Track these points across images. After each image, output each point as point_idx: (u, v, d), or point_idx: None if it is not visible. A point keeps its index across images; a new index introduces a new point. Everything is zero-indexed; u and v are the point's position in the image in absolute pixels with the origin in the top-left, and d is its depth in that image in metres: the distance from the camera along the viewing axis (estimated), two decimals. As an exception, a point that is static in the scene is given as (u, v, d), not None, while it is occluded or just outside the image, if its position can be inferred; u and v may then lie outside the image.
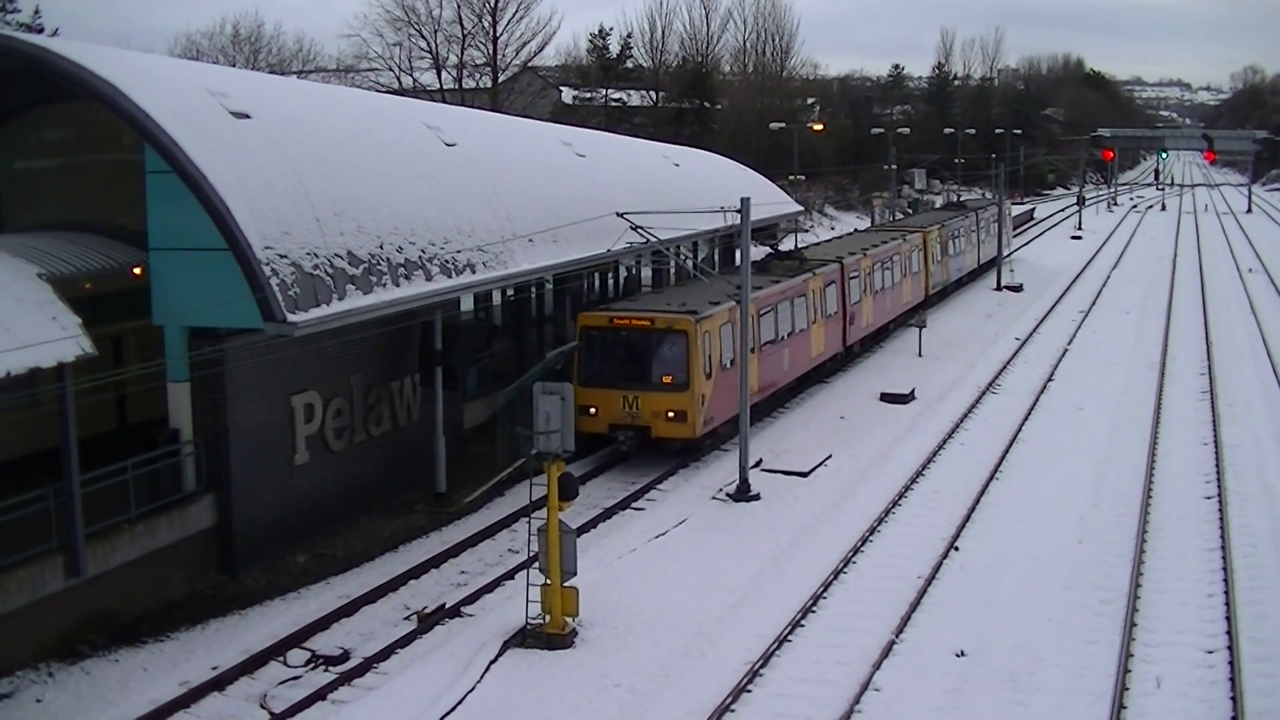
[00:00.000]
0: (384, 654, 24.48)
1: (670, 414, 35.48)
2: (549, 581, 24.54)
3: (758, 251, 48.51)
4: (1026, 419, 43.43)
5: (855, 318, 51.73)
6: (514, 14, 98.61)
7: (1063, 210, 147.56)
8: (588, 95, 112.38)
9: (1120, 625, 25.22)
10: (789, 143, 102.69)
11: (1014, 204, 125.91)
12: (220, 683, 23.37)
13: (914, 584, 27.71)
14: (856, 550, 30.11)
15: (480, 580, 28.39)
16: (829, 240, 70.32)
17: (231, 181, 26.21)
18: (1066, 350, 57.19)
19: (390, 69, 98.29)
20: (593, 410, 35.54)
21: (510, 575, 28.17)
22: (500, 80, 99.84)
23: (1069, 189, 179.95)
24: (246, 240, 25.69)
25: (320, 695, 22.81)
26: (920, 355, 54.61)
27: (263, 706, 22.69)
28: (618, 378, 35.97)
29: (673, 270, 48.85)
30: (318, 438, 30.55)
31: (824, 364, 48.52)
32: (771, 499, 34.11)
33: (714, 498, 34.22)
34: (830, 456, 38.30)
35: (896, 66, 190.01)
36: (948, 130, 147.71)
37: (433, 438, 33.76)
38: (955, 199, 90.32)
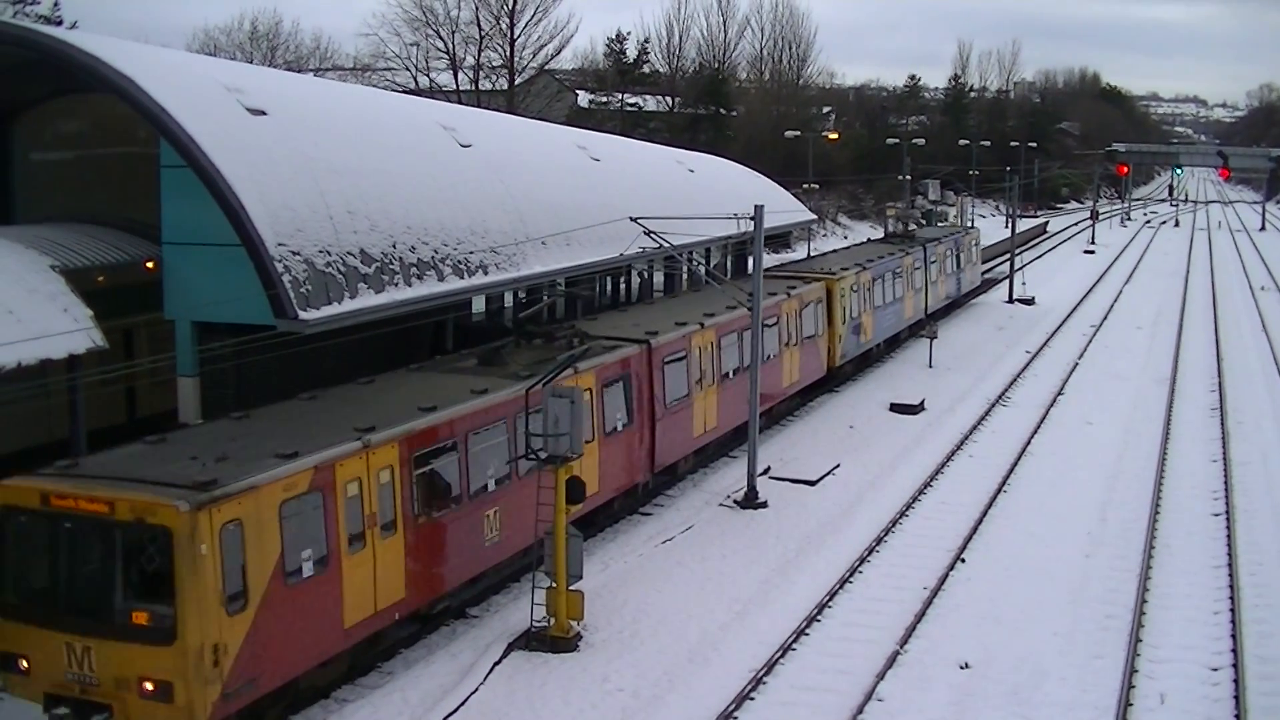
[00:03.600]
0: (387, 653, 24.46)
1: (149, 685, 19.06)
2: (554, 584, 24.54)
3: (769, 259, 47.93)
4: (1035, 432, 43.37)
5: (672, 427, 34.11)
6: (532, 16, 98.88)
7: (1076, 224, 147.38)
8: (604, 99, 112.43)
9: (1125, 640, 25.18)
10: (804, 151, 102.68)
11: (1024, 217, 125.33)
12: (224, 678, 23.28)
13: (919, 595, 27.68)
14: (863, 560, 30.09)
15: (485, 581, 28.39)
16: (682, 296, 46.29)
17: (246, 177, 26.25)
18: (1077, 364, 57.08)
19: (407, 69, 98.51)
20: (22, 663, 19.82)
21: (515, 577, 28.15)
22: (517, 82, 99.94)
23: (1083, 203, 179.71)
24: (260, 236, 25.73)
25: (323, 693, 22.77)
26: (931, 366, 54.55)
27: (266, 702, 22.66)
28: (57, 608, 19.76)
29: (685, 276, 48.81)
30: (326, 435, 30.36)
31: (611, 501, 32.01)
32: (779, 507, 34.08)
33: (721, 504, 34.21)
34: (838, 466, 38.27)
35: (913, 77, 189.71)
36: (963, 142, 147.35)
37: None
38: (904, 225, 72.81)
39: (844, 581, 28.61)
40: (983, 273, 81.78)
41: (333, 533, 21.28)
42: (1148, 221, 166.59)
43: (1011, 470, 38.23)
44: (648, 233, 35.76)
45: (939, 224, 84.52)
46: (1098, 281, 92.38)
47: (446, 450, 24.52)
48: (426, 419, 24.12)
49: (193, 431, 23.41)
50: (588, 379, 29.47)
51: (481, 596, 27.00)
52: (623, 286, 47.14)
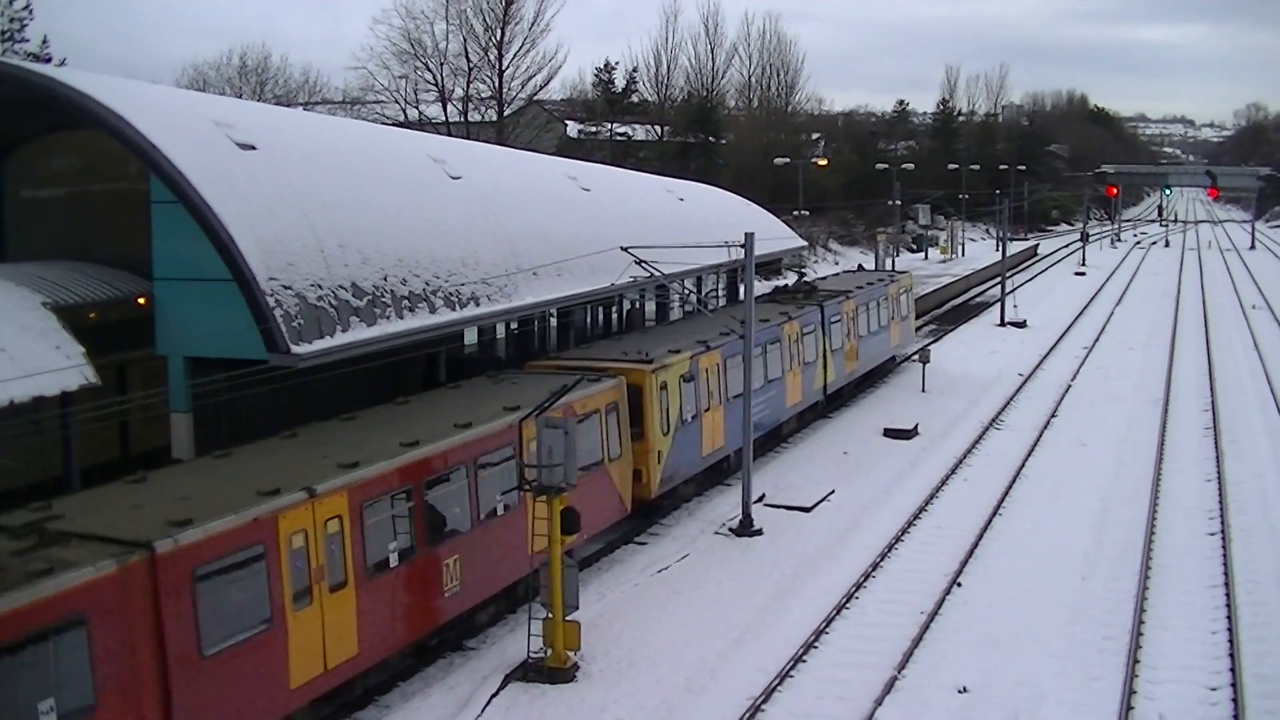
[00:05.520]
0: (384, 686, 24.36)
1: None
2: (551, 615, 24.50)
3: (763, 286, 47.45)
4: (1030, 455, 43.38)
5: (214, 691, 19.03)
6: (520, 48, 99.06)
7: (1066, 246, 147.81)
8: (593, 129, 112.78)
9: (1123, 662, 25.15)
10: (794, 177, 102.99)
11: (1015, 240, 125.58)
12: (220, 714, 23.11)
13: (916, 619, 27.64)
14: (859, 585, 30.05)
15: (482, 613, 28.32)
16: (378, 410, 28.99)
17: (237, 212, 26.26)
18: (1070, 386, 57.15)
19: (396, 101, 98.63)
20: None
21: (512, 608, 28.09)
22: (506, 113, 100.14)
23: (1073, 225, 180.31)
24: (251, 271, 25.72)
25: (320, 727, 22.68)
26: (924, 391, 54.59)
27: (262, 738, 22.55)
28: None
29: (678, 304, 48.78)
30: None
31: None
32: (774, 534, 34.04)
33: (716, 532, 34.16)
34: (833, 492, 38.24)
35: (901, 102, 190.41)
36: (952, 166, 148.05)
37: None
38: (800, 275, 57.20)
39: (841, 608, 28.57)
40: (917, 328, 67.89)
41: None
42: (1138, 242, 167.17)
43: (1006, 493, 38.23)
44: (639, 262, 35.84)
45: (860, 269, 73.32)
46: (1089, 303, 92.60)
47: None
48: None
49: None
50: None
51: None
52: (615, 316, 47.20)
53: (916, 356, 57.41)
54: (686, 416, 35.53)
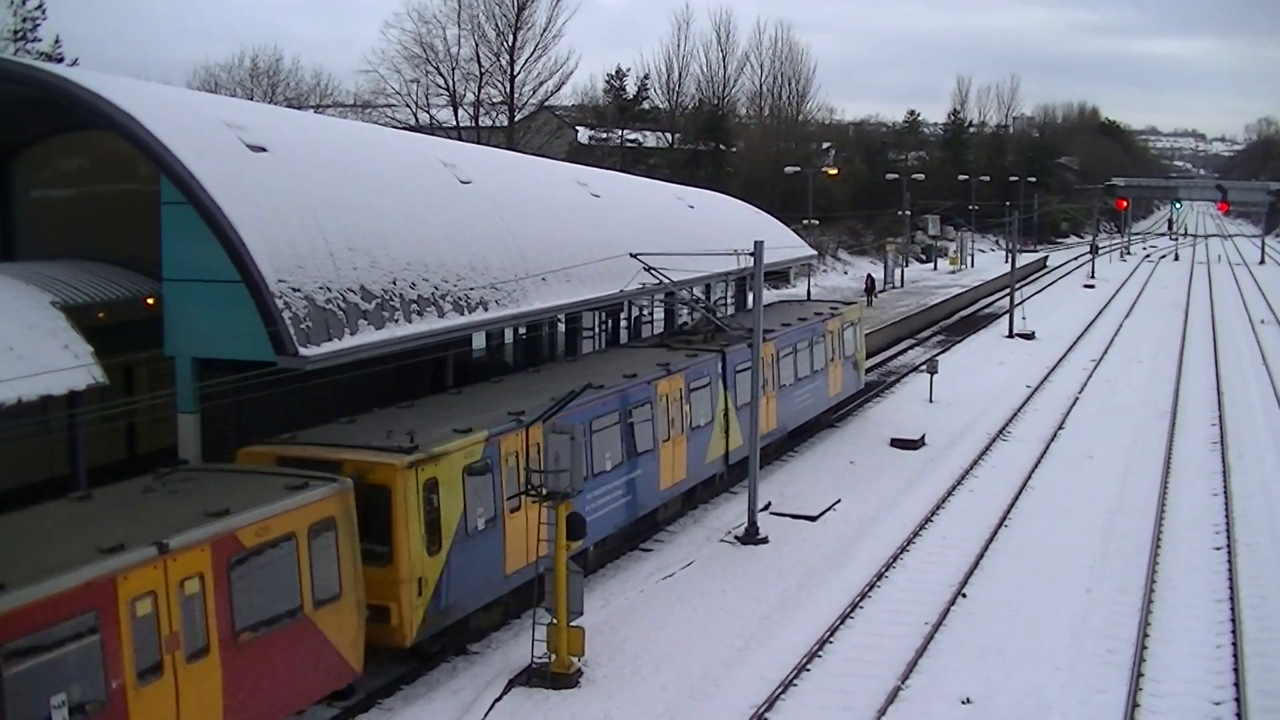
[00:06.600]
0: (388, 690, 24.37)
1: None
2: (555, 621, 24.50)
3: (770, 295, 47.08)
4: (1036, 467, 43.35)
5: None
6: (532, 53, 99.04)
7: (1075, 259, 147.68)
8: (604, 135, 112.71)
9: (1128, 675, 25.12)
10: (803, 186, 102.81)
11: (1024, 252, 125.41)
12: (223, 715, 23.07)
13: (921, 630, 27.61)
14: (864, 595, 30.02)
15: (487, 617, 28.33)
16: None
17: (246, 214, 26.26)
18: (1078, 398, 57.10)
19: (407, 105, 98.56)
20: None
21: (516, 613, 28.09)
22: (517, 119, 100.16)
23: (1082, 238, 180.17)
24: (260, 273, 25.72)
25: (323, 730, 22.66)
26: (931, 401, 54.53)
27: (265, 740, 22.52)
28: None
29: (687, 312, 48.72)
30: (326, 472, 29.88)
31: None
32: (779, 542, 34.02)
33: (722, 540, 34.16)
34: (839, 501, 38.21)
35: (912, 112, 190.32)
36: (962, 177, 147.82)
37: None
38: (710, 313, 42.32)
39: (845, 617, 28.55)
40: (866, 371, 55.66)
41: None
42: (1147, 256, 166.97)
43: (1013, 505, 38.20)
44: (648, 269, 35.83)
45: (800, 301, 59.82)
46: (1098, 316, 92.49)
47: None
48: None
49: None
50: None
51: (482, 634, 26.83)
52: (624, 322, 47.20)
53: (925, 367, 57.32)
54: (478, 523, 25.66)
